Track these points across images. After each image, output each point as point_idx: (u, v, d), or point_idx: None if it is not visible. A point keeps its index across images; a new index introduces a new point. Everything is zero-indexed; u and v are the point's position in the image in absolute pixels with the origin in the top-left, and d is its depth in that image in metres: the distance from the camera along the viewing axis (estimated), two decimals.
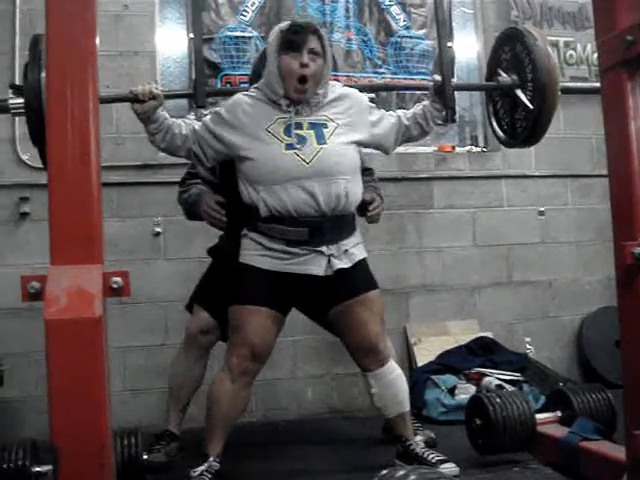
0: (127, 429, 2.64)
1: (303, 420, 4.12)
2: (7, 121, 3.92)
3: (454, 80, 4.69)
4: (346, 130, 2.81)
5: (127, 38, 4.18)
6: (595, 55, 4.67)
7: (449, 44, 4.77)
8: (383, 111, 3.00)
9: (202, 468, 2.72)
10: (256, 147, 2.74)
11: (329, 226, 2.76)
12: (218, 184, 3.17)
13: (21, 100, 2.09)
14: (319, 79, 2.78)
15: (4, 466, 2.46)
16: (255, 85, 2.89)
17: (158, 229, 4.10)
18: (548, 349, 4.58)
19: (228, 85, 4.36)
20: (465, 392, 3.82)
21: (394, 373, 2.91)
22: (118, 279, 1.74)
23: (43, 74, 1.96)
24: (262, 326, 2.76)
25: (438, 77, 2.94)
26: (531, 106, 2.82)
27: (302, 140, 2.73)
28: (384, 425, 3.41)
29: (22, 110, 2.12)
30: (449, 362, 4.13)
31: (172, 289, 4.01)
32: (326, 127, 2.78)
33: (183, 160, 4.11)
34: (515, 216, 4.70)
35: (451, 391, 3.91)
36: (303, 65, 2.73)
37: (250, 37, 4.43)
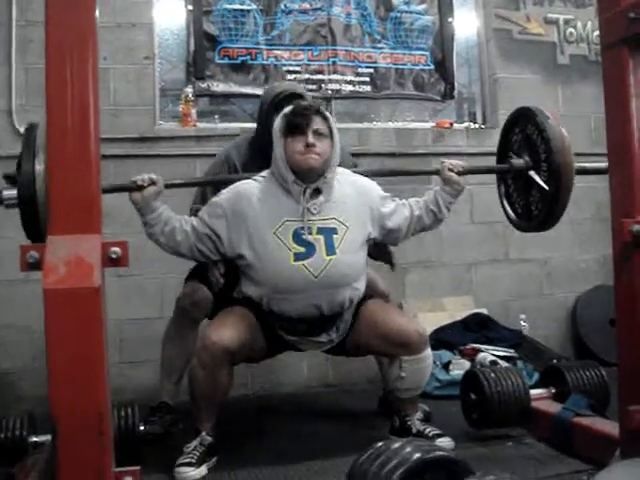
0: (124, 400, 2.66)
1: (298, 394, 4.13)
2: (4, 93, 3.91)
3: (454, 61, 4.72)
4: (356, 232, 2.75)
5: (124, 9, 4.16)
6: (595, 33, 4.67)
7: (449, 19, 4.76)
8: (397, 202, 2.90)
9: (195, 443, 2.73)
10: (263, 253, 2.67)
11: (329, 321, 2.78)
12: None
13: (14, 192, 2.00)
14: (327, 160, 2.71)
15: (2, 436, 2.50)
16: (265, 173, 2.80)
17: None
18: (543, 326, 4.60)
19: (226, 58, 4.33)
20: (460, 367, 3.83)
21: (429, 360, 2.88)
22: (117, 249, 1.74)
23: (38, 166, 1.91)
24: (243, 330, 2.71)
25: (449, 162, 2.89)
26: (547, 187, 2.74)
27: (311, 250, 2.66)
28: (380, 399, 3.43)
29: (15, 202, 2.02)
30: (444, 337, 4.15)
31: (168, 262, 3.96)
32: (336, 233, 2.70)
33: (180, 133, 4.11)
34: None
35: (446, 366, 3.93)
36: (309, 145, 2.66)
37: (249, 10, 4.41)
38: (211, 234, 2.72)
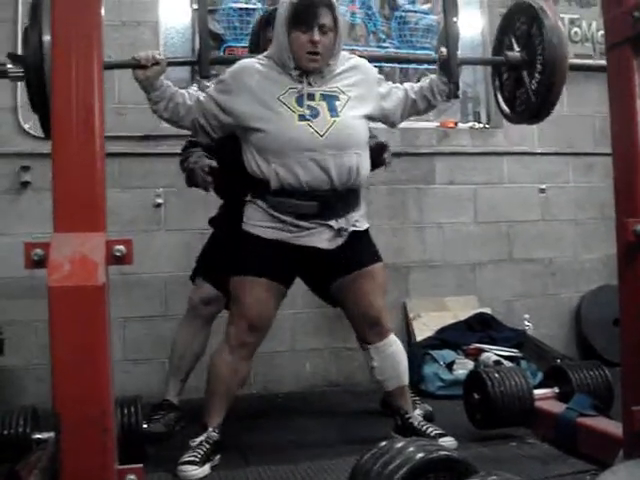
0: (127, 398, 2.65)
1: (302, 393, 4.13)
2: (9, 90, 3.90)
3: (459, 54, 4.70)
4: (357, 103, 2.79)
5: (130, 8, 4.14)
6: (600, 33, 4.67)
7: (454, 19, 4.74)
8: (391, 84, 2.99)
9: (201, 438, 2.75)
10: (268, 117, 2.70)
11: (339, 200, 2.77)
12: (217, 149, 3.11)
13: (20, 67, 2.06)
14: (331, 51, 2.76)
15: (5, 433, 2.50)
16: (264, 54, 2.83)
17: (159, 200, 4.09)
18: (546, 326, 4.60)
19: None
20: (463, 367, 3.84)
21: (395, 346, 2.93)
22: (121, 247, 1.74)
23: (45, 37, 1.94)
24: (261, 298, 2.77)
25: (444, 49, 2.92)
26: (534, 98, 2.78)
27: (315, 112, 2.71)
28: (382, 399, 3.43)
29: (22, 75, 2.08)
30: (448, 337, 4.16)
31: (172, 260, 4.02)
32: (338, 99, 2.75)
33: (185, 132, 4.08)
34: (516, 193, 4.69)
35: (449, 366, 3.93)
36: (314, 42, 2.70)
37: (254, 9, 4.40)
38: (217, 110, 2.76)
